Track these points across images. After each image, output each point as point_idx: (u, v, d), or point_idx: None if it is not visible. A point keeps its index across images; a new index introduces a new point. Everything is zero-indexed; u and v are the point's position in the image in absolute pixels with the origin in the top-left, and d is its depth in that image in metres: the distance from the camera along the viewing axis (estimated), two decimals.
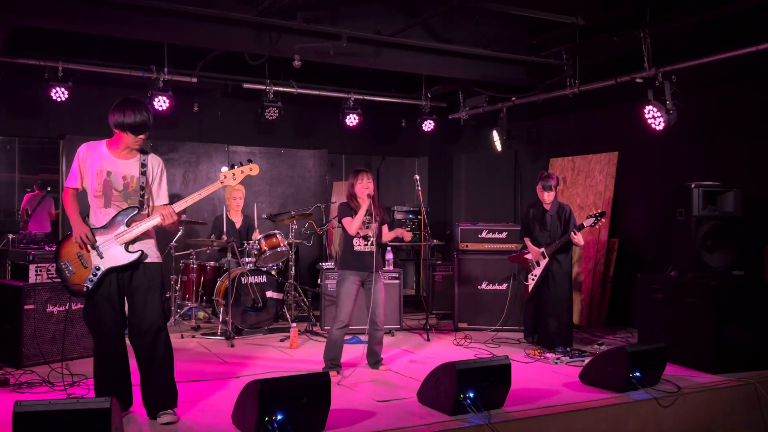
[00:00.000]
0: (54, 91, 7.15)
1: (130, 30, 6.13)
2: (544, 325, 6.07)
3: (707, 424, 4.74)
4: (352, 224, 5.16)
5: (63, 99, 7.21)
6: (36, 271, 5.35)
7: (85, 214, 3.99)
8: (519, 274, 6.84)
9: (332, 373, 4.95)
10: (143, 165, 3.98)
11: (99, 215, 3.94)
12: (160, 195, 4.06)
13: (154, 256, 4.00)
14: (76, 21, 5.84)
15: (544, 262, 6.03)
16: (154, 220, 3.91)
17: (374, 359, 5.41)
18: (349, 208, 5.23)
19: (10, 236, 6.18)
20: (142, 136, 3.89)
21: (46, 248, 5.65)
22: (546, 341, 6.01)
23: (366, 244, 5.20)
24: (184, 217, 7.54)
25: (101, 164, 3.92)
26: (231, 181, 4.05)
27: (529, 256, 6.19)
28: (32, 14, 5.68)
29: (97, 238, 3.89)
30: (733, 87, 6.47)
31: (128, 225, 3.90)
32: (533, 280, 6.14)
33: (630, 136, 7.39)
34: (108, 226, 3.91)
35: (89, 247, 3.88)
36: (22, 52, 7.01)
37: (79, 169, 3.95)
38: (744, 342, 5.28)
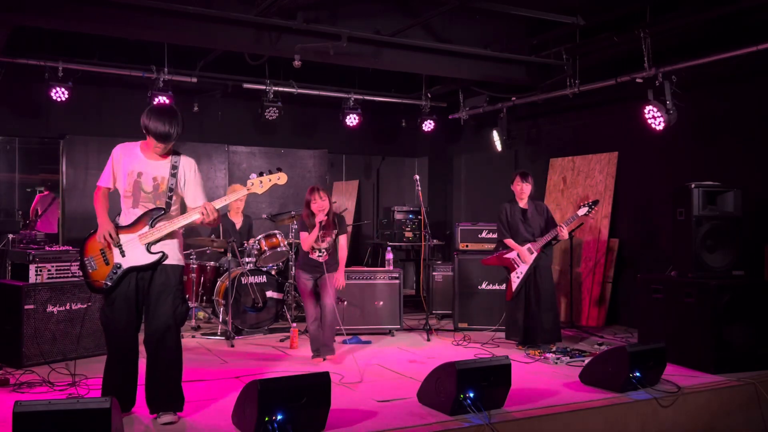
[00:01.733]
0: (54, 91, 7.15)
1: (130, 30, 6.14)
2: (537, 322, 5.98)
3: (707, 424, 4.74)
4: (305, 242, 5.59)
5: (63, 99, 7.20)
6: (36, 271, 5.35)
7: (115, 215, 4.02)
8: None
9: (318, 360, 5.59)
10: (174, 167, 4.00)
11: (127, 215, 3.98)
12: (197, 196, 4.06)
13: (174, 258, 4.00)
14: (76, 21, 5.84)
15: (530, 259, 6.00)
16: (193, 216, 3.93)
17: (316, 345, 5.63)
18: (305, 224, 5.62)
19: (10, 236, 6.18)
20: (162, 144, 3.92)
21: (46, 248, 5.65)
22: (542, 337, 5.96)
23: (320, 255, 5.56)
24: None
25: (133, 165, 3.97)
26: (258, 189, 4.05)
27: (511, 255, 6.10)
28: (32, 14, 5.68)
29: (121, 236, 3.92)
30: (733, 87, 6.47)
31: (153, 226, 3.92)
32: (518, 278, 6.06)
33: (630, 136, 7.39)
34: (133, 225, 3.94)
35: (112, 245, 3.90)
36: (22, 52, 7.00)
37: (112, 169, 4.01)
38: (744, 342, 5.27)
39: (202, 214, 3.90)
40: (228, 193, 7.50)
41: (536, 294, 6.00)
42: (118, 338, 3.95)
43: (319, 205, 5.47)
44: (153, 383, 3.97)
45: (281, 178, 4.10)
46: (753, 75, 6.25)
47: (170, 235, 3.97)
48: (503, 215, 6.17)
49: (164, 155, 4.01)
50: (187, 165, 4.06)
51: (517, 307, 6.11)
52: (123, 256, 3.91)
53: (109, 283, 3.89)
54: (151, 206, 3.95)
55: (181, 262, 4.05)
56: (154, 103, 7.39)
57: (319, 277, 5.62)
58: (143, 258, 3.91)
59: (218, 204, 3.99)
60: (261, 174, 4.07)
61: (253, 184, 4.06)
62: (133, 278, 3.93)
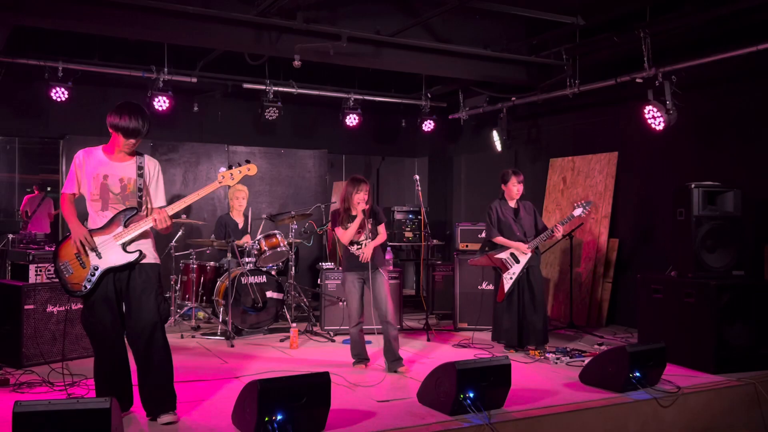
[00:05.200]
0: (54, 91, 7.15)
1: (130, 30, 6.13)
2: (530, 324, 5.91)
3: (707, 424, 4.74)
4: (344, 236, 5.34)
5: (63, 99, 7.21)
6: (36, 271, 5.35)
7: (83, 219, 4.02)
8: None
9: (361, 366, 5.41)
10: (140, 167, 4.03)
11: (96, 218, 3.97)
12: (157, 197, 4.10)
13: (151, 257, 4.02)
14: (76, 21, 5.84)
15: (524, 259, 5.94)
16: (148, 224, 3.94)
17: (391, 357, 5.31)
18: (340, 217, 5.37)
19: (10, 236, 6.17)
20: (132, 141, 3.94)
21: (46, 248, 5.65)
22: (535, 339, 5.90)
23: (358, 248, 5.34)
24: (184, 218, 7.54)
25: (98, 169, 3.97)
26: (229, 181, 4.10)
27: (503, 256, 5.99)
28: (32, 14, 5.68)
29: (95, 238, 3.92)
30: (733, 87, 6.47)
31: (126, 226, 3.93)
32: (511, 279, 5.93)
33: (630, 136, 7.39)
34: (106, 227, 3.94)
35: (88, 249, 3.90)
36: (22, 52, 7.00)
37: (75, 174, 4.00)
38: (744, 342, 5.28)
39: (154, 221, 3.92)
40: (229, 194, 7.51)
41: (530, 294, 5.93)
42: (105, 340, 3.95)
43: (362, 197, 5.27)
44: (148, 385, 3.97)
45: (251, 169, 4.16)
46: (753, 75, 6.25)
47: (144, 235, 3.99)
48: (493, 214, 6.08)
49: (129, 155, 4.02)
50: (151, 165, 4.09)
51: (504, 308, 5.97)
52: (99, 258, 3.91)
53: (88, 286, 3.88)
54: (121, 207, 3.96)
55: (158, 261, 4.09)
56: (154, 105, 7.41)
57: (367, 277, 5.31)
58: (120, 258, 3.91)
59: (188, 201, 4.01)
60: (230, 167, 4.11)
61: (224, 177, 4.09)
62: (111, 279, 3.93)
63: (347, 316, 5.54)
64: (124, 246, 3.92)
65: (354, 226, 5.29)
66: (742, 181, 5.87)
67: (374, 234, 5.40)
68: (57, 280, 5.29)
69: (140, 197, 4.00)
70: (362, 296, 5.41)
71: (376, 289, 5.33)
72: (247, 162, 4.18)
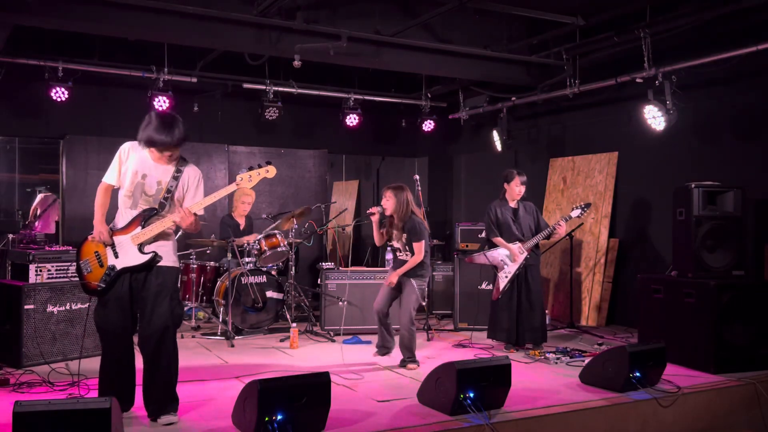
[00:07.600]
0: (54, 91, 7.15)
1: (130, 30, 6.14)
2: (527, 322, 5.94)
3: (707, 424, 4.74)
4: (375, 237, 5.78)
5: (63, 99, 7.20)
6: (36, 271, 5.35)
7: (113, 211, 4.03)
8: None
9: (378, 356, 5.76)
10: (178, 171, 4.00)
11: (125, 214, 3.98)
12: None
13: (170, 260, 3.99)
14: (76, 21, 5.85)
15: (521, 258, 5.96)
16: (170, 221, 3.91)
17: (405, 355, 5.50)
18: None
19: (10, 236, 6.18)
20: (167, 153, 3.92)
21: (46, 248, 5.65)
22: (532, 337, 5.93)
23: (391, 252, 5.83)
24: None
25: (139, 166, 3.96)
26: (247, 183, 4.04)
27: (499, 254, 6.08)
28: (32, 14, 5.68)
29: (115, 237, 3.93)
30: (733, 87, 6.47)
31: (144, 226, 3.92)
32: (506, 277, 5.99)
33: (630, 136, 7.39)
34: (126, 227, 3.94)
35: (105, 246, 3.92)
36: (22, 52, 7.00)
37: (119, 166, 3.99)
38: (744, 342, 5.28)
39: (179, 217, 3.88)
40: (235, 195, 7.50)
41: (527, 293, 5.97)
42: (113, 339, 3.95)
43: (383, 203, 5.62)
44: (152, 387, 3.96)
45: (270, 171, 4.08)
46: (753, 75, 6.25)
47: (165, 238, 3.97)
48: (492, 214, 6.12)
49: (170, 161, 4.00)
50: (192, 174, 4.05)
51: (502, 307, 6.02)
52: (116, 257, 3.91)
53: (103, 285, 3.89)
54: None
55: (177, 264, 4.06)
56: (154, 105, 7.40)
57: (400, 281, 5.58)
58: (136, 258, 3.90)
59: (207, 202, 3.98)
60: (251, 168, 4.06)
61: (242, 179, 4.04)
62: (127, 279, 3.92)
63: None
64: (140, 247, 3.91)
65: (374, 227, 5.70)
66: (742, 181, 5.87)
67: (410, 247, 5.52)
68: (58, 279, 5.39)
69: (165, 199, 3.96)
70: (389, 294, 5.64)
71: (403, 294, 5.57)
72: (269, 163, 4.09)
